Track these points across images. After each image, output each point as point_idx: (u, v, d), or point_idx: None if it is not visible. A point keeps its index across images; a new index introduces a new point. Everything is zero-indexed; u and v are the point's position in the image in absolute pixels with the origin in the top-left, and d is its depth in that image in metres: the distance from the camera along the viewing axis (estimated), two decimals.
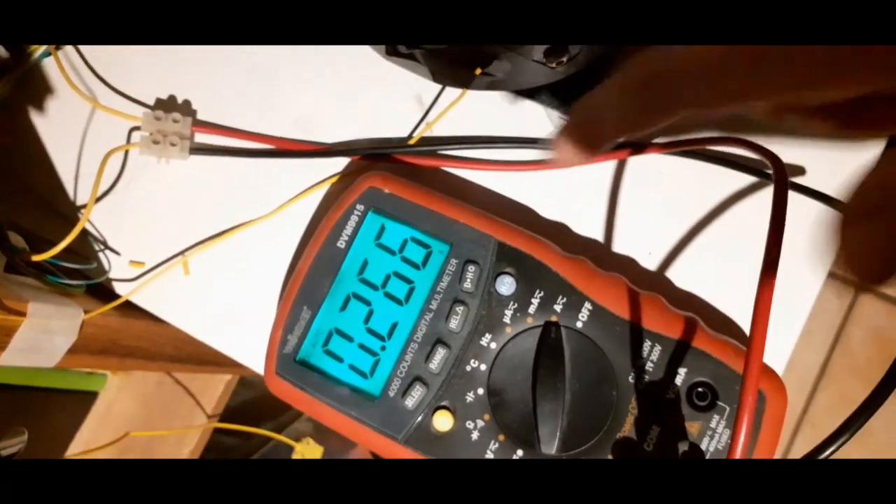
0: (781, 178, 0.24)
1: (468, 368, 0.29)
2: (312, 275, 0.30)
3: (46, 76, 0.36)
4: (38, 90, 0.36)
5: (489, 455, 0.28)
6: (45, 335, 0.30)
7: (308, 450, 0.68)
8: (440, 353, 0.29)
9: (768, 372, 0.28)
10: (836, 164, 0.32)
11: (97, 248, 0.35)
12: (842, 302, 0.96)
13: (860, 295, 0.95)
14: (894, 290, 0.95)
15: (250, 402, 0.73)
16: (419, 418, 0.29)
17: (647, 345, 0.28)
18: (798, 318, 0.31)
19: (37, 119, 0.36)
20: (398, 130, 0.35)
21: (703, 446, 0.27)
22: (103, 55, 0.35)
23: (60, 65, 0.34)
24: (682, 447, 0.27)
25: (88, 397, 0.54)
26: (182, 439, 0.56)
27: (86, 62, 0.36)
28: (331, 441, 0.70)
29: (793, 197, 0.31)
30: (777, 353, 0.31)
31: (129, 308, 0.35)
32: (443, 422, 0.28)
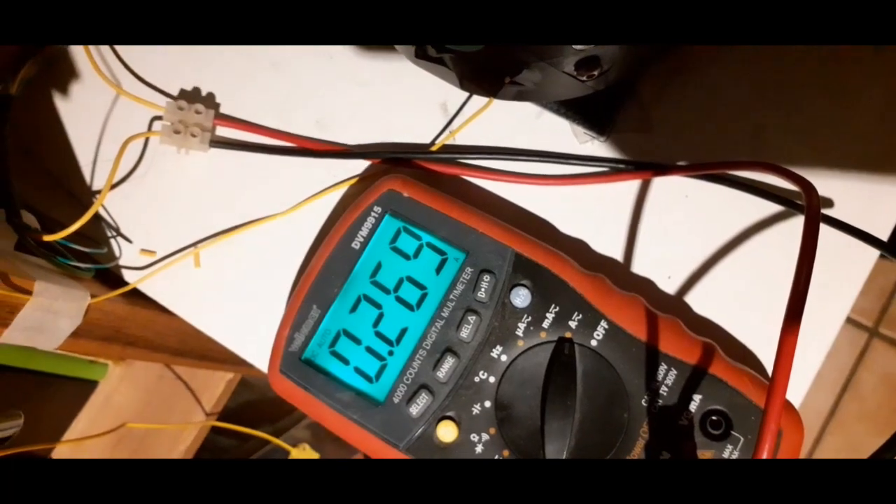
0: (814, 210, 0.23)
1: (476, 380, 0.28)
2: (325, 274, 0.30)
3: (72, 59, 0.36)
4: (63, 73, 0.36)
5: None
6: (50, 316, 0.30)
7: (304, 455, 0.67)
8: (449, 362, 0.28)
9: (787, 406, 0.27)
10: (866, 198, 0.31)
11: (109, 233, 0.35)
12: (854, 346, 0.94)
13: (873, 340, 0.94)
14: None
15: (249, 404, 0.72)
16: (423, 427, 0.28)
17: (662, 368, 0.27)
18: (817, 355, 0.30)
19: (60, 102, 0.36)
20: (421, 136, 0.34)
21: None
22: None
23: (87, 49, 0.34)
24: None
25: (88, 385, 0.54)
26: (178, 435, 0.55)
27: (112, 48, 0.35)
28: (327, 449, 0.69)
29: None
30: (792, 390, 0.30)
31: (137, 297, 0.34)
32: (447, 432, 0.28)
